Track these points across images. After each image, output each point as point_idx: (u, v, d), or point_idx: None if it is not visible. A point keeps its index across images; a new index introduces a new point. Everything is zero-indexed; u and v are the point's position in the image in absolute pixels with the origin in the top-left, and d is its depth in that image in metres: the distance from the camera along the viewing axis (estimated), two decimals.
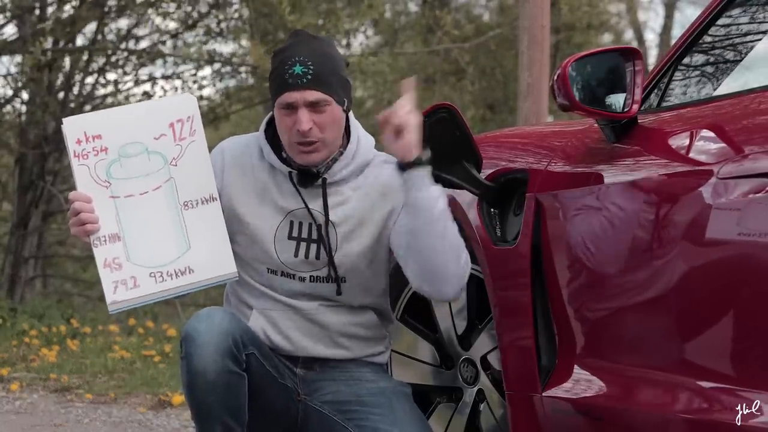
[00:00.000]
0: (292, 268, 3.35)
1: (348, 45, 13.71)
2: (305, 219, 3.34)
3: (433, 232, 3.18)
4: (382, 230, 3.34)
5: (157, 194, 3.28)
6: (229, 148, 3.44)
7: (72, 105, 12.27)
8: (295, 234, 3.35)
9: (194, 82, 12.82)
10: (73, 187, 3.28)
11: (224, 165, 3.40)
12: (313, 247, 3.34)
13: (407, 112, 3.17)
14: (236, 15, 12.30)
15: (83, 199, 3.24)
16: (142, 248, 3.25)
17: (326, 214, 3.32)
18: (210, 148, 3.37)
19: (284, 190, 3.36)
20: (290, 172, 3.34)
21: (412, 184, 3.19)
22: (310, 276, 3.35)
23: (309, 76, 3.23)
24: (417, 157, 3.17)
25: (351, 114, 3.38)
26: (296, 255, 3.34)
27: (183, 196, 3.29)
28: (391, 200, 3.34)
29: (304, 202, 3.33)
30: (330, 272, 3.34)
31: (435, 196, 3.18)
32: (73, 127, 3.24)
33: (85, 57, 12.20)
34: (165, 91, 12.87)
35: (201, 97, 13.05)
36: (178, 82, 12.87)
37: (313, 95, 3.24)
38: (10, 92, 12.47)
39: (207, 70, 12.94)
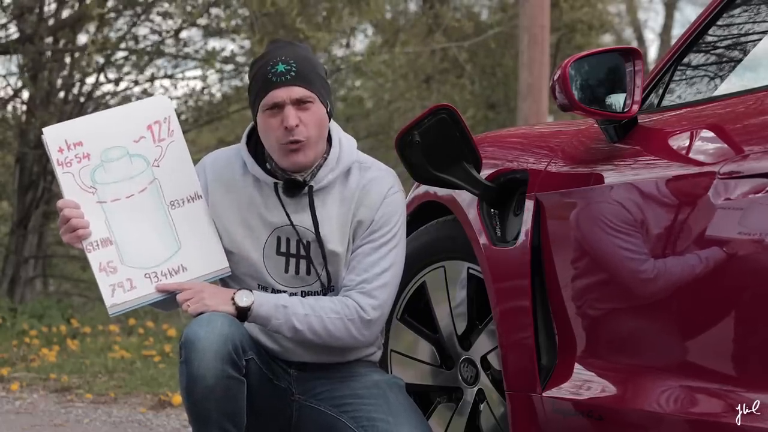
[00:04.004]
0: (283, 283, 3.34)
1: (348, 44, 13.70)
2: (292, 234, 3.32)
3: (301, 339, 3.29)
4: (352, 241, 3.34)
5: (143, 196, 3.29)
6: (210, 164, 3.40)
7: (72, 105, 12.25)
8: (283, 249, 3.33)
9: (196, 79, 12.83)
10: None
11: (207, 183, 3.37)
12: (303, 262, 3.33)
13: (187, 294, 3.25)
14: (237, 13, 12.29)
15: (72, 205, 3.26)
16: (134, 251, 3.26)
17: (316, 228, 3.30)
18: (209, 149, 3.37)
19: (270, 204, 3.32)
20: (275, 184, 3.31)
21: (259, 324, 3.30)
22: (301, 291, 3.35)
23: (293, 73, 3.23)
24: (236, 308, 3.23)
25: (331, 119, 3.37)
26: (286, 271, 3.33)
27: (169, 196, 3.31)
28: (361, 213, 3.33)
29: (289, 219, 3.30)
30: (321, 287, 3.34)
31: (278, 325, 3.26)
32: (53, 136, 3.26)
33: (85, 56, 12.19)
34: (165, 89, 12.85)
35: (202, 91, 13.02)
36: (178, 82, 12.87)
37: (299, 92, 3.23)
38: (10, 92, 12.46)
39: (208, 70, 12.91)
